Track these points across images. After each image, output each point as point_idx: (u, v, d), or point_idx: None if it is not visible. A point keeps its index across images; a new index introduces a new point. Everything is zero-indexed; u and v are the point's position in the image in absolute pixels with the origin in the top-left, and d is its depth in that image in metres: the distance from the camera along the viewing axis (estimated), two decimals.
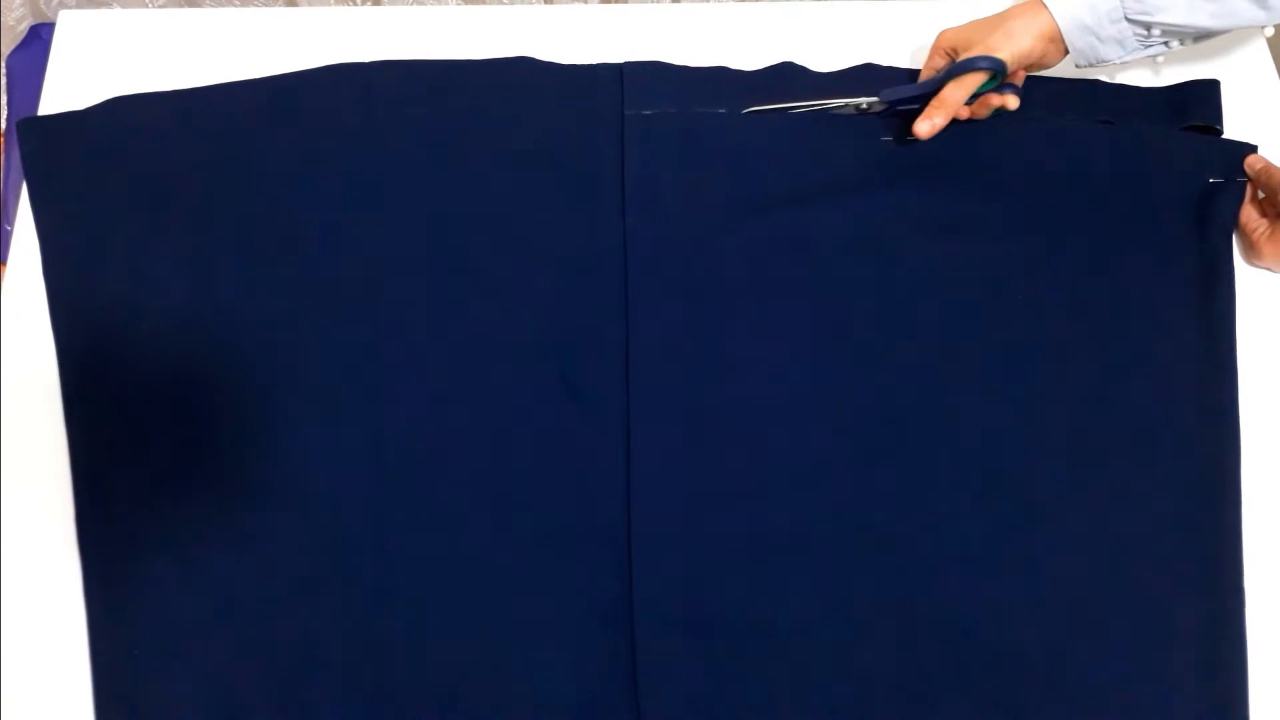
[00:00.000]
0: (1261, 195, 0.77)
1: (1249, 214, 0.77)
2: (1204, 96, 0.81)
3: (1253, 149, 0.78)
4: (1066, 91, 0.81)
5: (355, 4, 1.41)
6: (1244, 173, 0.77)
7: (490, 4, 1.35)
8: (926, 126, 0.74)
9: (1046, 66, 0.76)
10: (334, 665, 0.67)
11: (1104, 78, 0.82)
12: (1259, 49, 0.86)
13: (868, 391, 0.72)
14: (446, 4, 1.40)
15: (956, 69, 0.73)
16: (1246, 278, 0.77)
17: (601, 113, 0.78)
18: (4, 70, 1.23)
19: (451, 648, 0.68)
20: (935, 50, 0.77)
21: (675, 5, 0.88)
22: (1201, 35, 0.75)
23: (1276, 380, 0.75)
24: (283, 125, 0.78)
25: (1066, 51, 0.75)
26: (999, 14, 0.74)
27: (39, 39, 1.27)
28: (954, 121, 0.75)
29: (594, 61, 0.81)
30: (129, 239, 0.75)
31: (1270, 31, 0.85)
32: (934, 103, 0.74)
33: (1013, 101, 0.74)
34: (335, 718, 0.67)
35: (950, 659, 0.68)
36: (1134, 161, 0.78)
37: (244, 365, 0.72)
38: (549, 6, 0.88)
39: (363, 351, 0.73)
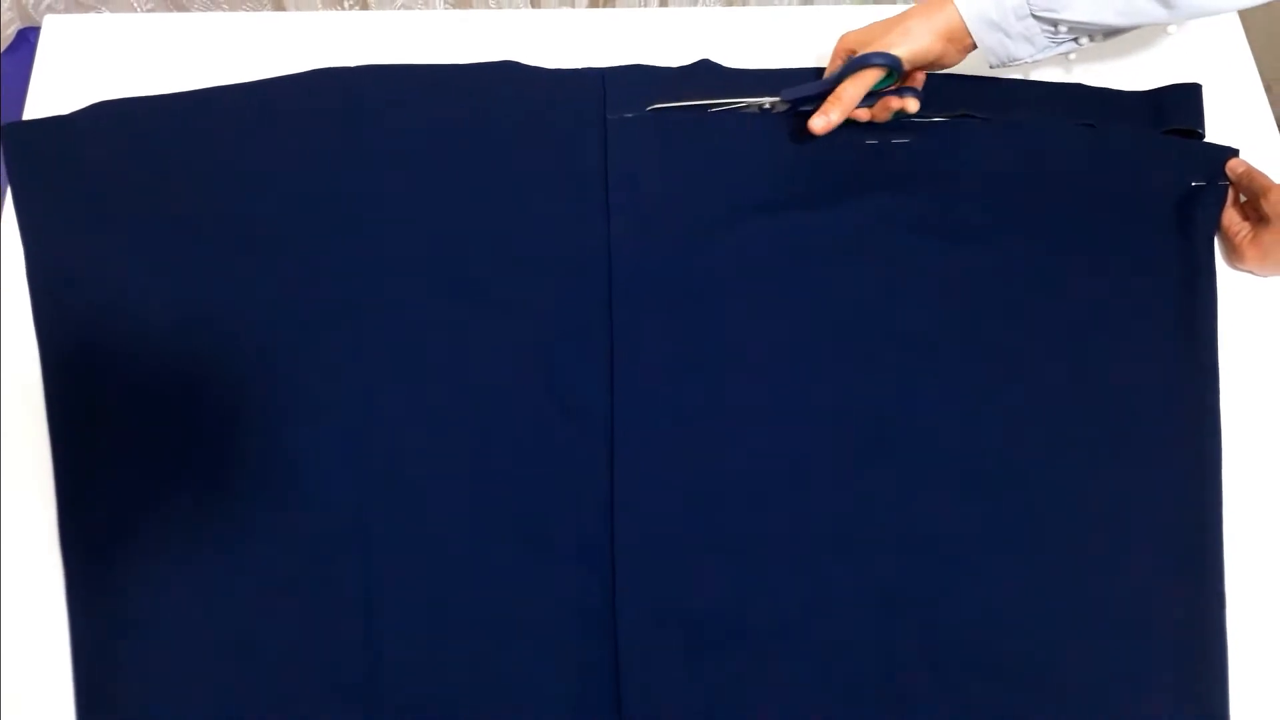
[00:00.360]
0: (1243, 199, 0.78)
1: (1231, 218, 0.78)
2: (1186, 100, 0.81)
3: (1234, 153, 0.78)
4: (1049, 94, 0.82)
5: (343, 8, 1.41)
6: (1226, 177, 0.77)
7: (477, 8, 1.35)
8: (821, 122, 0.74)
9: (945, 66, 0.76)
10: (319, 668, 0.67)
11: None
12: (1241, 52, 0.87)
13: (851, 394, 0.73)
14: (434, 8, 1.40)
15: (851, 65, 0.73)
16: (1229, 281, 0.78)
17: (584, 116, 0.78)
18: None
19: (435, 651, 0.68)
20: (837, 53, 0.77)
21: (662, 9, 0.88)
22: (1111, 32, 0.75)
23: (1258, 382, 0.76)
24: (269, 129, 0.78)
25: (967, 51, 0.75)
26: (901, 13, 0.74)
27: (26, 43, 1.26)
28: (934, 124, 0.76)
29: (581, 66, 0.81)
30: (114, 243, 0.74)
31: (1174, 30, 0.85)
32: (830, 99, 0.75)
33: (912, 104, 0.75)
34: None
35: (933, 660, 0.68)
36: (1116, 164, 0.79)
37: (229, 369, 0.72)
38: (536, 11, 0.88)
39: (348, 356, 0.72)
